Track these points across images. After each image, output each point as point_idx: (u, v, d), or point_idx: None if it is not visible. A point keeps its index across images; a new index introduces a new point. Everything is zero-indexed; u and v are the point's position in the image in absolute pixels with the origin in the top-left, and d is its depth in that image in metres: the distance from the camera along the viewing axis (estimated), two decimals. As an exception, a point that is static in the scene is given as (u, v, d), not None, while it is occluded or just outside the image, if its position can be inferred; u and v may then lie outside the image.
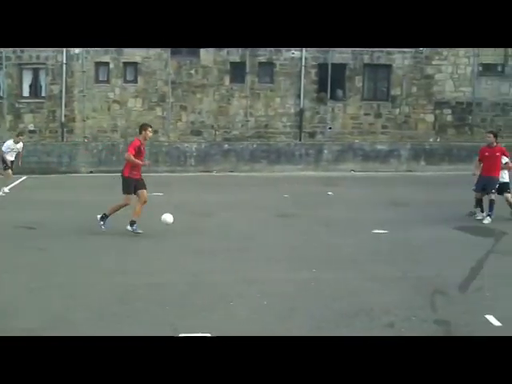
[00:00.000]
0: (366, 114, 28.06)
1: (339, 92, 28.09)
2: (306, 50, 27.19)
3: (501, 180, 16.43)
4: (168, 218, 14.19)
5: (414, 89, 27.88)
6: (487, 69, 28.29)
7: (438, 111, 27.80)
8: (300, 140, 27.72)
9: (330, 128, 27.78)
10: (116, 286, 10.45)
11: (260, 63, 27.83)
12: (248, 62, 27.34)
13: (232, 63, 27.88)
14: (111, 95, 28.06)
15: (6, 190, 21.46)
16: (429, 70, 27.82)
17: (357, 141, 27.37)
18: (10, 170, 21.54)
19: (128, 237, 14.19)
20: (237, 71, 27.80)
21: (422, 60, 27.73)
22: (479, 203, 16.70)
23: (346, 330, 8.80)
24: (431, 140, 27.47)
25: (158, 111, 27.99)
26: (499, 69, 28.40)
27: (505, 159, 16.39)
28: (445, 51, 27.38)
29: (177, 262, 12.35)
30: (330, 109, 27.85)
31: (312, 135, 28.06)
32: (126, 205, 14.59)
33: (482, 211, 16.61)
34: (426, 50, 27.31)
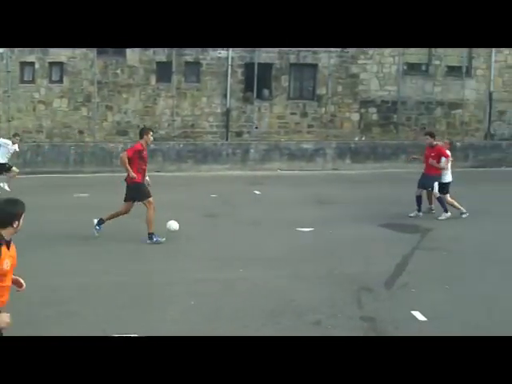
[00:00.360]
0: (292, 114, 28.15)
1: (265, 91, 28.11)
2: (233, 50, 27.13)
3: (443, 180, 16.37)
4: (173, 224, 13.68)
5: (340, 88, 28.08)
6: (412, 68, 28.68)
7: (363, 110, 28.08)
8: (227, 139, 27.64)
9: (257, 127, 27.77)
10: (44, 288, 10.20)
11: (186, 63, 27.63)
12: (174, 61, 27.11)
13: (158, 63, 27.62)
14: (36, 95, 27.48)
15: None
16: (354, 69, 28.07)
17: (283, 140, 27.43)
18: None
19: (59, 239, 13.88)
20: (163, 71, 27.53)
21: (348, 59, 27.96)
22: (418, 200, 16.70)
23: (273, 328, 8.78)
24: (356, 139, 27.73)
25: (84, 111, 27.53)
26: (423, 68, 28.82)
27: (443, 159, 16.35)
28: (370, 50, 27.66)
29: (103, 263, 12.14)
30: (257, 108, 27.85)
31: (239, 135, 28.02)
32: (153, 208, 13.64)
33: (419, 210, 16.67)
34: (351, 49, 27.54)
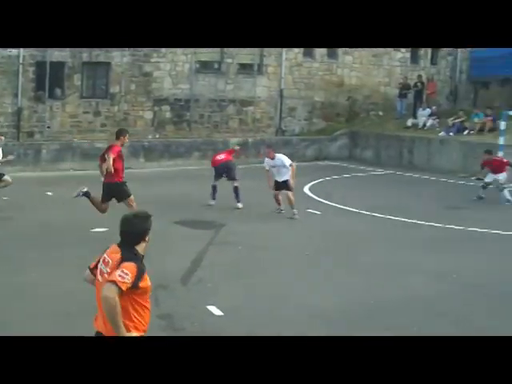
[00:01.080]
0: (85, 113, 27.52)
1: (58, 90, 27.29)
2: (24, 48, 26.11)
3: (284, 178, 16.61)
4: None
5: (133, 86, 27.79)
6: (204, 66, 28.95)
7: (156, 108, 27.96)
8: (18, 140, 26.59)
9: (49, 127, 26.93)
10: None
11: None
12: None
13: None
14: None
15: None
16: (147, 68, 27.88)
17: (76, 139, 26.79)
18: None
19: None
20: None
21: (141, 58, 27.73)
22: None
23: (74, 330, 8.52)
24: (150, 137, 27.60)
25: None
26: (216, 66, 29.19)
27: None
28: (163, 49, 27.59)
29: None
30: (49, 108, 26.97)
31: (31, 135, 27.02)
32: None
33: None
34: (144, 48, 27.34)
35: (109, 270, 5.47)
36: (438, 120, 28.47)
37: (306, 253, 13.01)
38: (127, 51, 27.31)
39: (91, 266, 5.78)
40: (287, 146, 27.63)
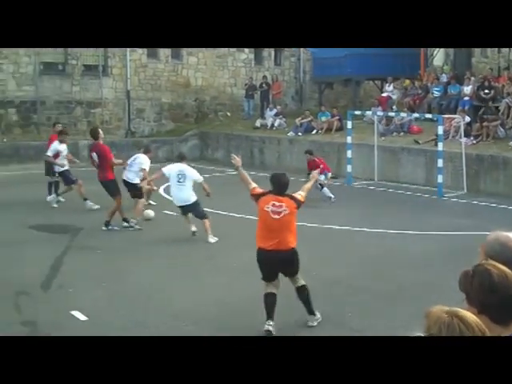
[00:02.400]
0: None
1: None
2: None
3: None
4: (150, 213, 16.06)
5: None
6: (49, 67, 28.30)
7: (2, 111, 27.08)
8: None
9: None
10: None
11: None
12: None
13: None
14: None
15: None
16: (-10, 70, 26.99)
17: None
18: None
19: None
20: None
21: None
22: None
23: None
24: (-2, 140, 26.77)
25: None
26: (60, 67, 28.60)
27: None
28: (5, 49, 26.72)
29: None
30: None
31: None
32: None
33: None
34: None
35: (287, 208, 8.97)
36: (285, 120, 29.11)
37: (168, 254, 13.04)
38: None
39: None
40: (138, 147, 27.40)
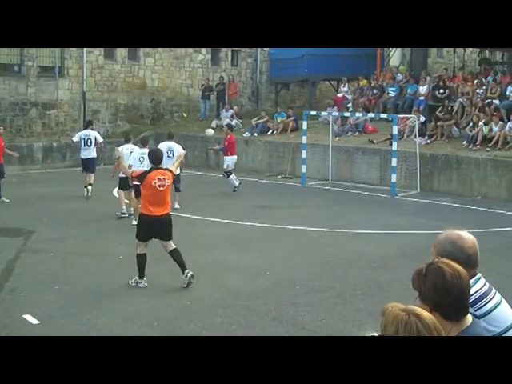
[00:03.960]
0: None
1: None
2: None
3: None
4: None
5: None
6: (4, 69, 27.95)
7: (-44, 113, 26.80)
8: None
9: None
10: None
11: None
12: None
13: None
14: None
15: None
16: None
17: None
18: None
19: None
20: None
21: None
22: None
23: None
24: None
25: None
26: (16, 68, 28.30)
27: None
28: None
29: None
30: None
31: None
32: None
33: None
34: None
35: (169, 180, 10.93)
36: (241, 121, 29.16)
37: (119, 256, 12.98)
38: None
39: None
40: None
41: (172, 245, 11.05)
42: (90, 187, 19.17)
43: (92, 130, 20.31)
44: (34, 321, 9.36)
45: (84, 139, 19.81)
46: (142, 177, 11.01)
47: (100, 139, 20.10)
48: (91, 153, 19.73)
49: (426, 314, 2.93)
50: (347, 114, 25.67)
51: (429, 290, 3.34)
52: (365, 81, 29.54)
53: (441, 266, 3.38)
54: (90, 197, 18.97)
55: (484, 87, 24.73)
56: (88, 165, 19.62)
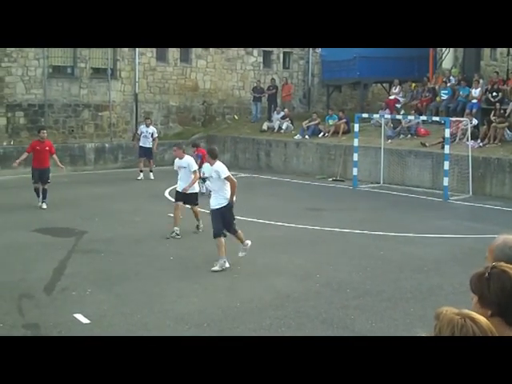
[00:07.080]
0: None
1: None
2: None
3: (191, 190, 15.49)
4: None
5: (-16, 92, 26.91)
6: (58, 70, 28.31)
7: (10, 114, 27.11)
8: None
9: None
10: None
11: None
12: None
13: None
14: None
15: None
16: (-1, 73, 27.07)
17: None
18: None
19: None
20: None
21: (-7, 62, 26.86)
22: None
23: None
24: (5, 143, 26.76)
25: None
26: (69, 70, 28.64)
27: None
28: (14, 53, 26.80)
29: None
30: None
31: None
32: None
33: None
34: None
35: None
36: (292, 122, 29.10)
37: (170, 257, 13.04)
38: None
39: None
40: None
41: None
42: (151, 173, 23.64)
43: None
44: (85, 320, 9.44)
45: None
46: None
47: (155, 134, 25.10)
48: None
49: (481, 317, 2.88)
50: (399, 117, 25.43)
51: (495, 293, 3.24)
52: (415, 84, 29.33)
53: (506, 270, 3.28)
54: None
55: (538, 90, 24.32)
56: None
